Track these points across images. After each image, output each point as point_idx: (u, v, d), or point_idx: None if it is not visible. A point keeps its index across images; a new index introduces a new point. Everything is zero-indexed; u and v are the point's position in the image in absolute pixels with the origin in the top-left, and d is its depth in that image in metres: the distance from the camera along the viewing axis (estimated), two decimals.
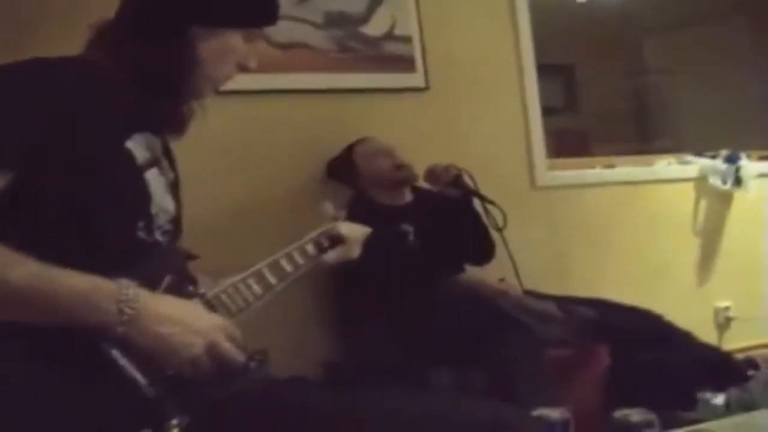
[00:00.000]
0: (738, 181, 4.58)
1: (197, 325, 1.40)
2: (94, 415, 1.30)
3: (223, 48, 1.64)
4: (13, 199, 1.35)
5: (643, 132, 5.68)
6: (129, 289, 1.33)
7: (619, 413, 2.05)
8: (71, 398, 1.30)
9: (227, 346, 1.43)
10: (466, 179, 3.37)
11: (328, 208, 2.02)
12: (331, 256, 1.92)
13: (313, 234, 1.89)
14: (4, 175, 1.34)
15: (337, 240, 1.92)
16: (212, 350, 1.40)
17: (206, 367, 1.40)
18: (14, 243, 1.28)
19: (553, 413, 1.97)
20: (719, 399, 3.30)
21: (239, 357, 1.44)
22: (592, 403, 2.97)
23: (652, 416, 2.02)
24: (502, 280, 3.41)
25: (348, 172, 3.46)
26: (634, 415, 2.02)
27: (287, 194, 3.54)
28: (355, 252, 1.95)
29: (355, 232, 1.97)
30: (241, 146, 3.45)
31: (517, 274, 3.39)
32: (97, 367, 1.32)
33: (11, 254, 1.28)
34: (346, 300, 3.32)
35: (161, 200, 1.58)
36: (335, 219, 1.99)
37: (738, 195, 4.66)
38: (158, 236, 1.56)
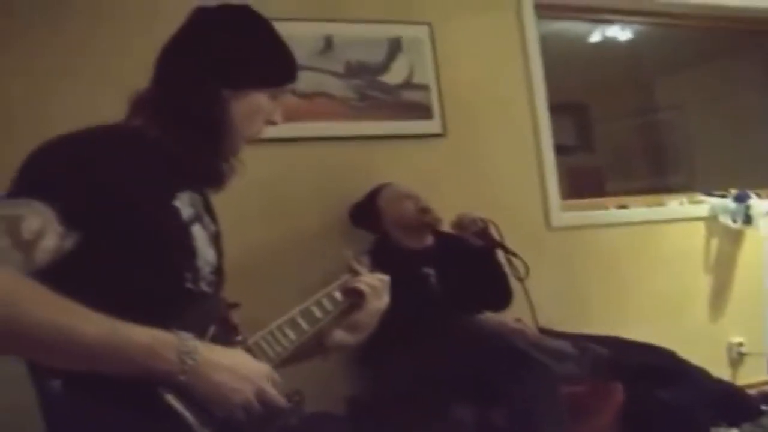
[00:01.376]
0: (748, 220, 4.65)
1: (246, 372, 1.53)
2: None
3: (252, 108, 1.79)
4: (77, 257, 1.48)
5: (656, 169, 5.74)
6: (189, 341, 1.47)
7: None
8: None
9: (272, 392, 1.56)
10: (493, 231, 3.47)
11: (347, 255, 2.07)
12: (338, 337, 1.94)
13: (341, 280, 1.97)
14: (73, 236, 1.47)
15: (354, 293, 1.94)
16: (259, 395, 1.54)
17: (255, 410, 1.53)
18: (77, 297, 1.39)
19: None
20: None
21: (281, 401, 1.57)
22: None
23: None
24: (518, 319, 3.49)
25: (371, 217, 3.55)
26: None
27: (311, 238, 3.64)
28: (384, 301, 1.97)
29: (376, 284, 1.96)
30: (263, 192, 3.55)
31: (532, 313, 3.47)
32: (156, 411, 1.45)
33: (83, 310, 1.39)
34: (369, 337, 3.38)
35: (205, 253, 1.72)
36: (353, 268, 2.05)
37: (749, 233, 4.74)
38: (203, 286, 1.70)
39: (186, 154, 1.70)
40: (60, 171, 1.50)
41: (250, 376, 1.53)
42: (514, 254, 3.48)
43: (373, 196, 3.58)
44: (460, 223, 3.47)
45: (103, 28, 3.30)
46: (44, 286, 1.37)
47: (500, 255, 3.53)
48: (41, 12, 3.28)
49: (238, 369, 1.52)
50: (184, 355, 1.44)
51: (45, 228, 1.42)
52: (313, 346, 1.87)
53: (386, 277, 2.00)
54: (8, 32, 3.21)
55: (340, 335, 1.92)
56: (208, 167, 1.76)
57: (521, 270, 3.44)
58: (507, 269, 3.52)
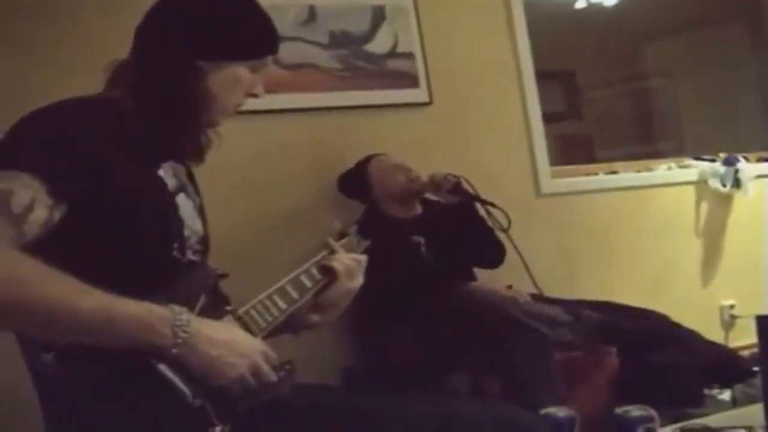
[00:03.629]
0: (737, 183, 4.66)
1: (241, 348, 1.52)
2: (149, 424, 1.45)
3: (231, 80, 1.75)
4: (64, 228, 1.46)
5: (645, 135, 5.75)
6: (182, 314, 1.45)
7: (620, 409, 2.13)
8: (132, 410, 1.44)
9: (266, 368, 1.55)
10: (466, 185, 3.46)
11: (335, 227, 2.05)
12: (314, 319, 1.92)
13: (319, 256, 1.93)
14: (62, 208, 1.45)
15: (329, 272, 1.90)
16: (253, 371, 1.52)
17: (250, 385, 1.52)
18: (65, 268, 1.38)
19: (560, 412, 2.05)
20: (726, 395, 3.37)
21: (274, 378, 1.56)
22: (603, 403, 3.04)
23: (651, 411, 2.09)
24: (510, 287, 3.49)
25: (361, 187, 3.55)
26: (634, 410, 2.09)
27: (299, 209, 3.63)
28: (358, 282, 1.93)
29: (351, 264, 1.92)
30: (252, 164, 3.54)
31: (530, 274, 3.47)
32: (147, 380, 1.43)
33: (80, 284, 1.38)
34: (362, 308, 3.39)
35: (191, 222, 1.70)
36: (342, 236, 2.03)
37: (738, 196, 4.74)
38: (190, 256, 1.69)
39: (162, 125, 1.67)
40: (45, 142, 1.48)
41: (245, 351, 1.52)
42: (492, 204, 3.47)
43: (364, 165, 3.57)
44: (432, 183, 3.47)
45: (114, 21, 3.27)
46: (39, 261, 1.36)
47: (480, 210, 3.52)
48: (55, 9, 3.27)
49: (233, 344, 1.51)
50: (177, 328, 1.43)
51: (34, 201, 1.40)
52: (286, 323, 1.83)
53: (363, 258, 1.97)
54: (26, 32, 3.22)
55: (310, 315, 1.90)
56: (184, 139, 1.74)
57: (503, 222, 3.43)
58: (489, 223, 3.52)
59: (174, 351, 1.43)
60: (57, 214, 1.44)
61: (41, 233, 1.42)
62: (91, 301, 1.37)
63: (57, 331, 1.39)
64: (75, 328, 1.37)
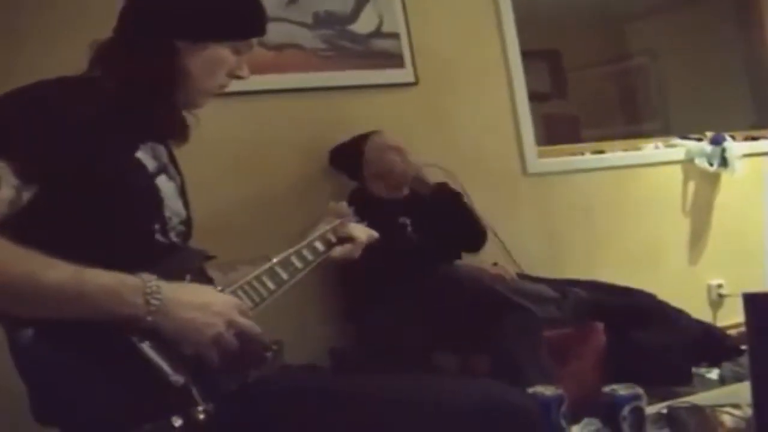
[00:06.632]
0: (724, 162, 4.66)
1: (215, 306, 1.51)
2: (129, 404, 1.42)
3: (212, 61, 1.72)
4: (40, 210, 1.44)
5: (631, 115, 5.74)
6: (152, 281, 1.44)
7: (607, 388, 2.13)
8: (110, 389, 1.42)
9: (243, 320, 1.54)
10: (453, 185, 3.48)
11: (343, 206, 2.08)
12: (338, 251, 1.99)
13: (322, 230, 1.96)
14: (31, 189, 1.44)
15: (346, 241, 1.98)
16: (231, 326, 1.52)
17: (230, 343, 1.51)
18: (43, 249, 1.38)
19: (547, 390, 2.05)
20: (713, 374, 3.38)
21: (255, 328, 1.56)
22: (591, 381, 3.04)
23: (639, 390, 2.10)
24: (495, 264, 3.48)
25: (353, 162, 3.54)
26: (622, 389, 2.10)
27: (283, 191, 3.61)
28: (358, 253, 2.00)
29: (363, 235, 2.02)
30: (236, 146, 3.52)
31: (511, 257, 3.46)
32: (129, 359, 1.43)
33: (44, 258, 1.38)
34: (349, 289, 3.39)
35: (173, 204, 1.69)
36: (344, 216, 2.04)
37: (725, 175, 4.74)
38: (173, 238, 1.67)
39: (139, 105, 1.65)
40: (13, 123, 1.47)
41: (220, 310, 1.52)
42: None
43: (361, 141, 3.55)
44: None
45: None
46: (2, 239, 1.36)
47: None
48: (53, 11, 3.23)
49: (206, 304, 1.50)
50: (149, 296, 1.43)
51: (0, 181, 1.40)
52: None
53: (374, 233, 2.04)
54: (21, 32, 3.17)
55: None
56: (162, 120, 1.71)
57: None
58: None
59: (149, 319, 1.43)
60: (25, 195, 1.43)
61: (9, 213, 1.42)
62: (57, 273, 1.38)
63: (25, 306, 1.40)
64: (42, 301, 1.38)
